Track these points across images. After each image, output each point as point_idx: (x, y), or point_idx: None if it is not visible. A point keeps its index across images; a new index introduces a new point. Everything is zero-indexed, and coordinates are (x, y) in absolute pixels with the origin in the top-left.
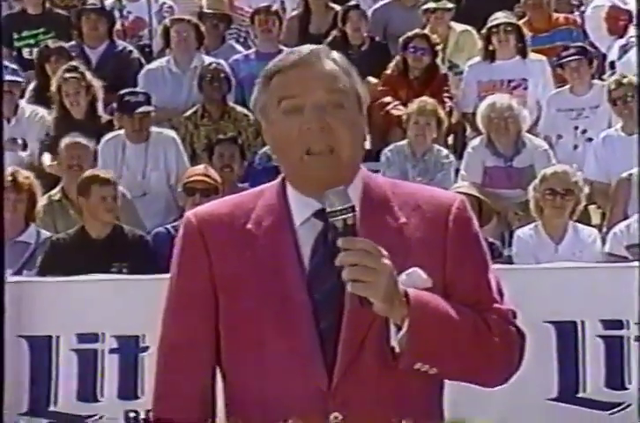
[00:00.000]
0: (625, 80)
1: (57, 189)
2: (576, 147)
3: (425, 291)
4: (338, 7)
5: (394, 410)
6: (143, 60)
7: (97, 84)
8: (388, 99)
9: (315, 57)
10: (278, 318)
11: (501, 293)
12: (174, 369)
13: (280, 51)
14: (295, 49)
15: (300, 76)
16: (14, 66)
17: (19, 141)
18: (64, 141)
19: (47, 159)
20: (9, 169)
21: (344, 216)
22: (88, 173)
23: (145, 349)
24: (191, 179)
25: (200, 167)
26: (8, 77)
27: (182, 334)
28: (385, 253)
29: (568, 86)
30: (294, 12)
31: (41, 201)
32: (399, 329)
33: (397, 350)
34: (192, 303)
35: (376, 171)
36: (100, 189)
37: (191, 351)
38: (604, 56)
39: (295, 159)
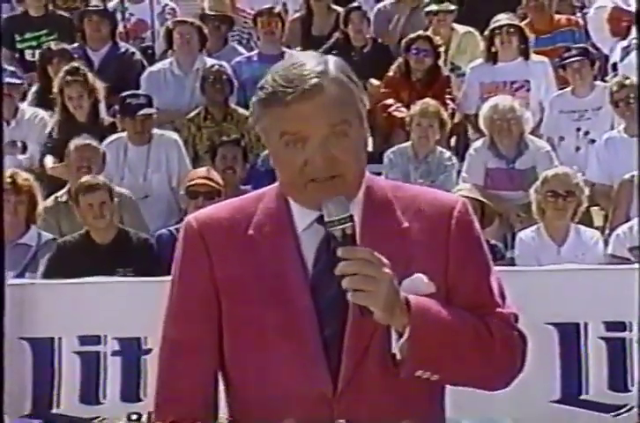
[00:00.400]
0: (627, 82)
1: (64, 190)
2: (578, 149)
3: (427, 296)
4: (340, 9)
5: (397, 415)
6: (145, 62)
7: (99, 86)
8: (390, 101)
9: (317, 89)
10: (280, 323)
11: (503, 297)
12: (176, 372)
13: (283, 53)
14: (296, 73)
15: (302, 111)
16: (13, 68)
17: (19, 144)
18: (74, 143)
19: (49, 161)
20: (8, 171)
21: (342, 226)
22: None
23: (148, 351)
24: (194, 182)
25: (202, 170)
26: (7, 80)
27: (183, 337)
28: (386, 261)
29: (570, 88)
30: (297, 14)
31: (47, 202)
32: (401, 336)
33: (398, 357)
34: (194, 306)
35: (379, 173)
36: (85, 198)
37: (193, 354)
38: (606, 58)
39: (299, 185)
